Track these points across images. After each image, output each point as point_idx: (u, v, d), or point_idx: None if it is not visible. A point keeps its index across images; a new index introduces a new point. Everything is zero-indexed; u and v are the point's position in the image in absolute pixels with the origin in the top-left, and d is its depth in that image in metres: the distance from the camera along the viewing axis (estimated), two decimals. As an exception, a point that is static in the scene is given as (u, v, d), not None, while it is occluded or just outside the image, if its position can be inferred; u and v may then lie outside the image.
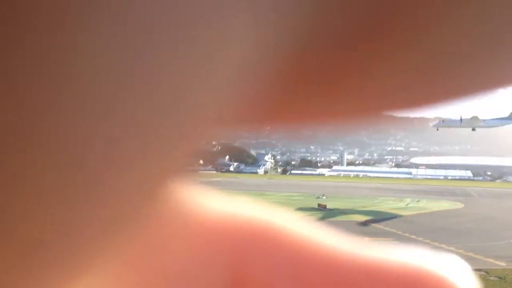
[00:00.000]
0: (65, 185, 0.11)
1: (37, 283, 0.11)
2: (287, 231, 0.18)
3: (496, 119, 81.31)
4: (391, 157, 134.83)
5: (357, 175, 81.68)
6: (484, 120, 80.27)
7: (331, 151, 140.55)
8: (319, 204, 24.58)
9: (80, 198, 0.11)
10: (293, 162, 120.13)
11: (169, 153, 0.12)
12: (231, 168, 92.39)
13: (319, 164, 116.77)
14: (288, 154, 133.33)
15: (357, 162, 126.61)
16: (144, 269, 0.13)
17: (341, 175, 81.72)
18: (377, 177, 75.58)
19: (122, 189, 0.12)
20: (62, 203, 0.11)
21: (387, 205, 28.15)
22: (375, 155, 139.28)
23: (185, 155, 0.13)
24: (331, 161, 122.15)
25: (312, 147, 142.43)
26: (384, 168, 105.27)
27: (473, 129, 78.97)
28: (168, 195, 0.13)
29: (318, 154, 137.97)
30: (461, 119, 78.61)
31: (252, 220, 0.18)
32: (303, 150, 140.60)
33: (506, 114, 79.63)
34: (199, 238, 0.14)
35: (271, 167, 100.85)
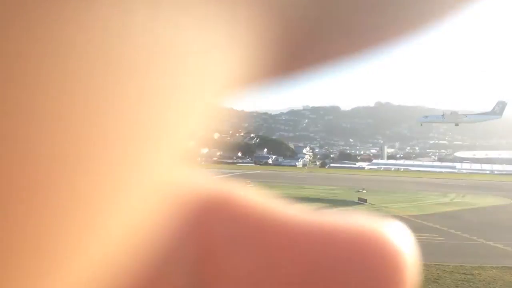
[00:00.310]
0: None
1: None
2: (247, 201, 0.18)
3: (478, 114, 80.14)
4: (434, 150, 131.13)
5: (398, 169, 79.98)
6: (465, 116, 79.52)
7: (371, 144, 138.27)
8: (359, 198, 24.26)
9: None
10: (331, 155, 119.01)
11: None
12: (270, 161, 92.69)
13: (358, 158, 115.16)
14: (326, 147, 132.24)
15: (398, 155, 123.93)
16: (107, 242, 0.12)
17: (382, 169, 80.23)
18: (419, 171, 73.67)
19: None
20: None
21: (430, 200, 27.43)
22: (417, 148, 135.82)
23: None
24: (371, 155, 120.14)
25: (351, 140, 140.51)
26: (426, 162, 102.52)
27: (456, 125, 77.33)
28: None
29: (357, 147, 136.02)
30: (442, 115, 77.51)
31: (211, 191, 0.18)
32: (342, 143, 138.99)
33: (489, 109, 77.38)
34: (160, 212, 0.14)
35: (309, 160, 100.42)
